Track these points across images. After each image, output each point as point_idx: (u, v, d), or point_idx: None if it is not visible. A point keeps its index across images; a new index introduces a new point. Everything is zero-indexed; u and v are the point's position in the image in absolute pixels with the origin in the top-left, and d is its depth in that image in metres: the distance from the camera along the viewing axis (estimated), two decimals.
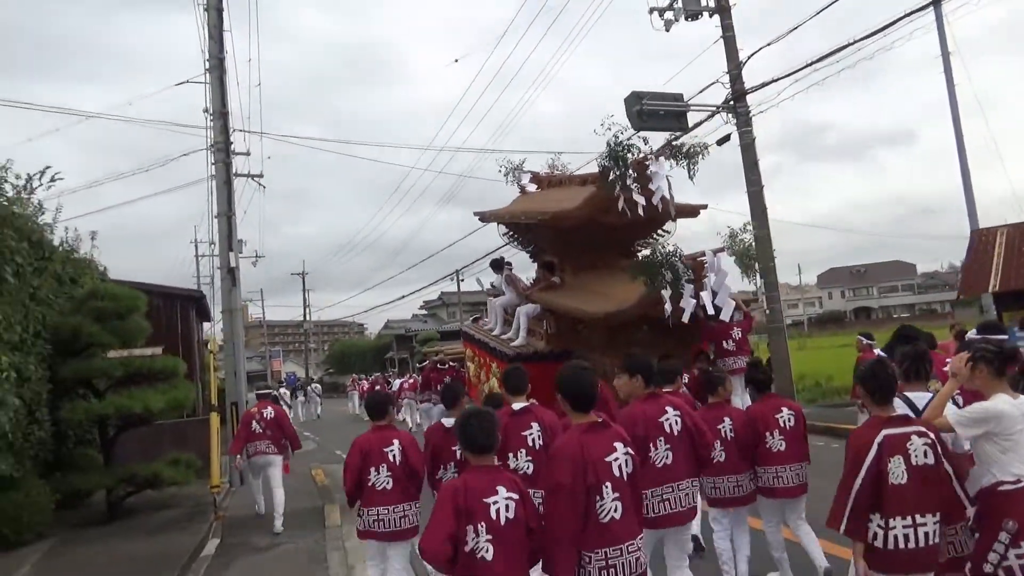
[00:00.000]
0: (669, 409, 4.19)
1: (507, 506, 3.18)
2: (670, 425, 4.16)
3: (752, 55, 13.81)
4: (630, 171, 8.86)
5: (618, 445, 3.35)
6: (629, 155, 8.88)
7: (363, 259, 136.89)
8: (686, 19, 14.20)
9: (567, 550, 3.18)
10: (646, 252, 9.40)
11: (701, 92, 14.01)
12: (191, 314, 15.77)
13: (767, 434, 5.06)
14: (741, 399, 8.00)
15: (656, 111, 13.42)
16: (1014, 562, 3.29)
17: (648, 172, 8.98)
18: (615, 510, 3.24)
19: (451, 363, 16.09)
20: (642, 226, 9.79)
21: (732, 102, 13.68)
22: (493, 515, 3.15)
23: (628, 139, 8.94)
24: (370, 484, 4.96)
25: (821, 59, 12.74)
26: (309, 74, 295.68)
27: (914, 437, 3.42)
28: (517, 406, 4.97)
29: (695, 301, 8.49)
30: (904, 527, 3.36)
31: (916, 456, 3.39)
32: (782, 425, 5.08)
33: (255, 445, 8.90)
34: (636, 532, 3.34)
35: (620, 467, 3.31)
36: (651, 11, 14.19)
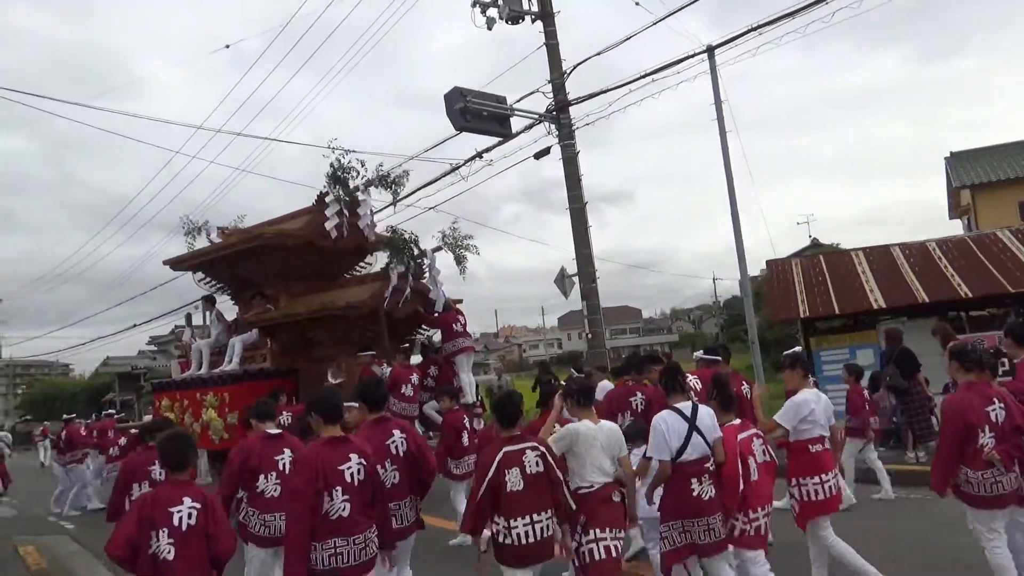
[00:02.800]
0: (396, 432, 4.66)
1: (190, 514, 3.70)
2: (396, 447, 4.63)
3: (577, 66, 13.07)
4: (345, 196, 9.71)
5: (353, 456, 3.95)
6: (350, 179, 9.71)
7: (72, 290, 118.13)
8: (507, 22, 13.04)
9: (301, 541, 3.76)
10: (389, 235, 10.08)
11: (520, 100, 12.91)
12: None
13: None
14: (468, 375, 9.87)
15: (480, 111, 12.06)
16: (584, 547, 4.24)
17: (359, 199, 9.91)
18: (343, 509, 3.85)
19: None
20: (352, 252, 10.80)
21: (555, 112, 12.69)
22: (175, 522, 3.67)
23: (349, 161, 9.72)
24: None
25: (628, 82, 12.18)
26: (18, 78, 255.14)
27: (528, 452, 4.19)
28: (271, 431, 5.40)
29: (433, 288, 9.66)
30: (524, 525, 4.08)
31: (530, 466, 4.15)
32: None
33: None
34: (365, 528, 3.93)
35: (353, 474, 3.90)
36: (474, 4, 12.80)
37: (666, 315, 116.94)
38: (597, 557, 4.20)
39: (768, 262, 14.35)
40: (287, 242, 9.99)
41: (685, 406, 4.47)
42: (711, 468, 4.39)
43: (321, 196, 9.83)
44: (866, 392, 8.62)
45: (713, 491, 4.35)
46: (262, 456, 5.16)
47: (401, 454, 4.59)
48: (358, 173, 9.76)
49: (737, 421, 4.70)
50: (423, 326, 10.94)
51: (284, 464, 5.16)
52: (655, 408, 5.09)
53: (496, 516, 4.15)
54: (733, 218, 15.87)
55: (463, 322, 9.83)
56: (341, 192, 9.71)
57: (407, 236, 9.88)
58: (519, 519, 4.08)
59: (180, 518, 3.68)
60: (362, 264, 11.67)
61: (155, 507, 3.68)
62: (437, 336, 10.93)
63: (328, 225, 9.70)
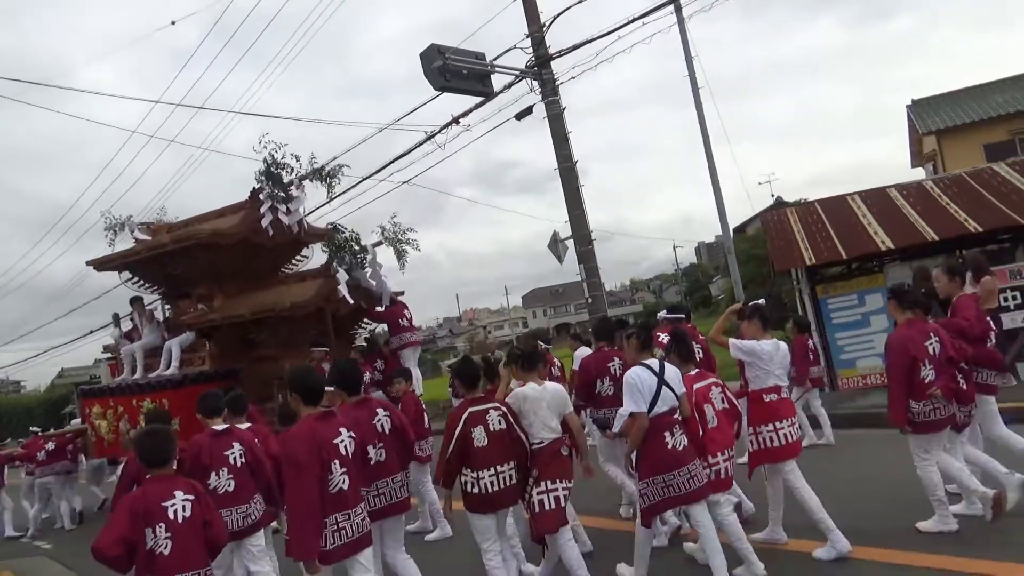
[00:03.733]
0: (379, 411, 4.68)
1: (184, 506, 3.74)
2: (381, 425, 4.65)
3: (557, 17, 12.33)
4: (279, 191, 9.59)
5: (342, 430, 4.08)
6: (283, 173, 9.57)
7: (14, 304, 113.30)
8: None
9: (311, 513, 3.77)
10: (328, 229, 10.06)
11: (500, 56, 12.15)
12: None
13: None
14: (415, 369, 9.59)
15: (459, 69, 11.25)
16: (535, 497, 4.60)
17: (291, 195, 9.76)
18: (343, 483, 3.94)
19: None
20: (287, 248, 10.51)
21: (537, 68, 11.97)
22: (171, 515, 3.69)
23: (282, 156, 9.61)
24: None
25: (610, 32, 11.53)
26: None
27: (491, 411, 4.60)
28: (218, 427, 5.28)
29: (377, 283, 9.70)
30: (489, 476, 4.49)
31: (492, 423, 4.56)
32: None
33: None
34: (361, 500, 4.10)
35: (345, 447, 4.02)
36: None
37: (626, 287, 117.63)
38: (547, 506, 4.58)
39: (761, 214, 13.99)
40: (221, 240, 9.72)
41: (653, 362, 4.66)
42: (679, 419, 4.60)
43: (255, 192, 9.71)
44: (810, 343, 9.10)
45: (685, 440, 4.55)
46: (212, 453, 5.11)
47: (387, 431, 4.65)
48: (292, 169, 9.65)
49: (695, 371, 4.98)
50: (367, 321, 10.88)
51: (235, 459, 5.14)
52: None
53: (464, 468, 4.55)
54: (711, 173, 15.55)
55: (408, 316, 9.74)
56: (274, 188, 9.64)
57: (347, 233, 9.88)
58: (484, 471, 4.49)
59: (175, 511, 3.72)
60: (297, 259, 11.43)
61: (147, 503, 3.68)
62: (380, 329, 10.97)
63: (263, 222, 9.61)
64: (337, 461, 3.92)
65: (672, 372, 4.65)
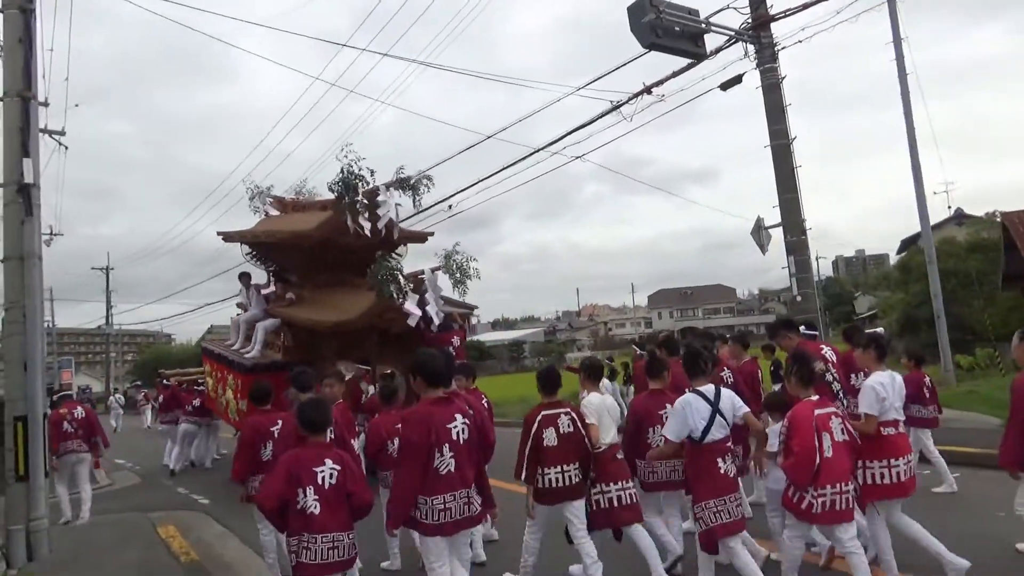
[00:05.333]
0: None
1: (331, 475, 4.08)
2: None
3: None
4: (361, 198, 9.79)
5: (458, 416, 4.18)
6: (359, 183, 9.79)
7: (171, 266, 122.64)
8: None
9: (411, 489, 4.05)
10: (373, 267, 10.04)
11: (713, 15, 10.67)
12: None
13: (650, 429, 5.40)
14: None
15: (671, 26, 9.97)
16: (593, 497, 5.13)
17: (377, 200, 9.93)
18: (451, 465, 4.10)
19: (198, 382, 15.16)
20: (375, 248, 10.41)
21: (754, 30, 10.48)
22: (319, 481, 4.04)
23: (360, 168, 9.79)
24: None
25: None
26: (123, 63, 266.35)
27: (562, 415, 5.10)
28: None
29: (421, 311, 9.58)
30: (555, 472, 4.99)
31: (563, 427, 5.06)
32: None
33: (66, 445, 9.17)
34: (469, 484, 4.18)
35: (458, 432, 4.14)
36: None
37: (754, 295, 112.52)
38: (603, 505, 5.11)
39: (1004, 216, 12.10)
40: (300, 241, 10.21)
41: (708, 389, 4.74)
42: (731, 447, 4.77)
43: (339, 197, 9.95)
44: (927, 379, 7.89)
45: (735, 469, 4.73)
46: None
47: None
48: (367, 181, 9.92)
49: (815, 397, 4.72)
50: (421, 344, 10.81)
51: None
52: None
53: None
54: (914, 171, 13.63)
55: (456, 344, 9.85)
56: (352, 195, 9.86)
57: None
58: (551, 468, 5.00)
59: (323, 478, 4.06)
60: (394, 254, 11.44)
61: (300, 466, 4.05)
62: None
63: (349, 223, 9.84)
64: (447, 444, 4.09)
65: (727, 399, 4.75)
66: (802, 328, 6.29)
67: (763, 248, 11.25)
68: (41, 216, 7.81)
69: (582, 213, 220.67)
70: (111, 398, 34.79)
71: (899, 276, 26.74)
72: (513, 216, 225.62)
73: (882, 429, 4.81)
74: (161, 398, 15.85)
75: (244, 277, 12.10)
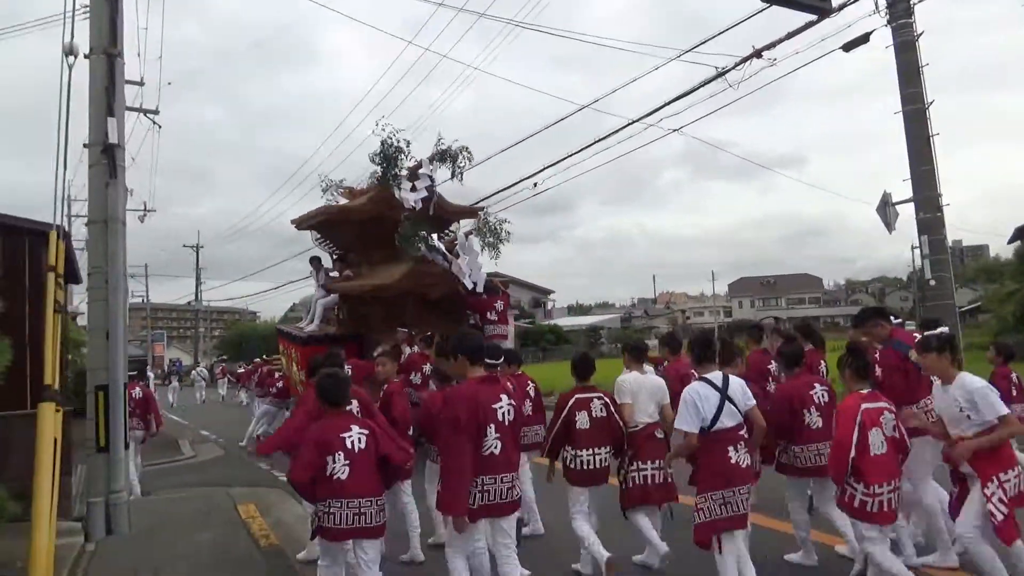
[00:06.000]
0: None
1: (359, 438, 4.13)
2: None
3: None
4: (402, 171, 9.85)
5: (503, 396, 4.14)
6: (400, 155, 9.85)
7: (255, 245, 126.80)
8: None
9: (463, 470, 3.94)
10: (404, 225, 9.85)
11: None
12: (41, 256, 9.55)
13: (804, 411, 5.17)
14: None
15: None
16: (629, 474, 5.19)
17: (419, 174, 9.77)
18: (496, 447, 4.04)
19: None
20: (427, 223, 10.15)
21: None
22: (348, 445, 4.09)
23: (398, 141, 9.83)
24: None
25: None
26: (212, 52, 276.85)
27: (595, 399, 5.20)
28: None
29: (474, 272, 9.39)
30: (587, 455, 5.09)
31: (595, 411, 5.16)
32: (817, 401, 5.23)
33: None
34: (513, 467, 4.15)
35: (504, 414, 4.08)
36: None
37: (840, 286, 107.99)
38: (638, 482, 5.18)
39: None
40: (350, 216, 10.48)
41: (716, 376, 4.53)
42: (745, 436, 4.48)
43: (384, 171, 9.98)
44: (1014, 375, 7.22)
45: (748, 459, 4.45)
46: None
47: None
48: (406, 154, 9.93)
49: (867, 390, 4.53)
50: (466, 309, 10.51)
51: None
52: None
53: (567, 446, 5.21)
54: None
55: (500, 309, 9.54)
56: (392, 168, 9.92)
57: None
58: (584, 450, 5.13)
59: (352, 442, 4.11)
60: (446, 232, 11.42)
61: (329, 434, 4.12)
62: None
63: (399, 196, 9.78)
64: (493, 425, 4.02)
65: (736, 386, 4.53)
66: (892, 319, 5.77)
67: (889, 226, 10.18)
68: (126, 183, 7.54)
69: (660, 198, 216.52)
70: (193, 372, 36.52)
71: (1018, 265, 24.52)
72: (590, 200, 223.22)
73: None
74: (258, 374, 16.78)
75: (314, 261, 12.33)
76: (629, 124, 12.71)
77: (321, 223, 11.73)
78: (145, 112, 22.34)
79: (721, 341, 5.30)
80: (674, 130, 12.65)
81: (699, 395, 4.39)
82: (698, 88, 11.21)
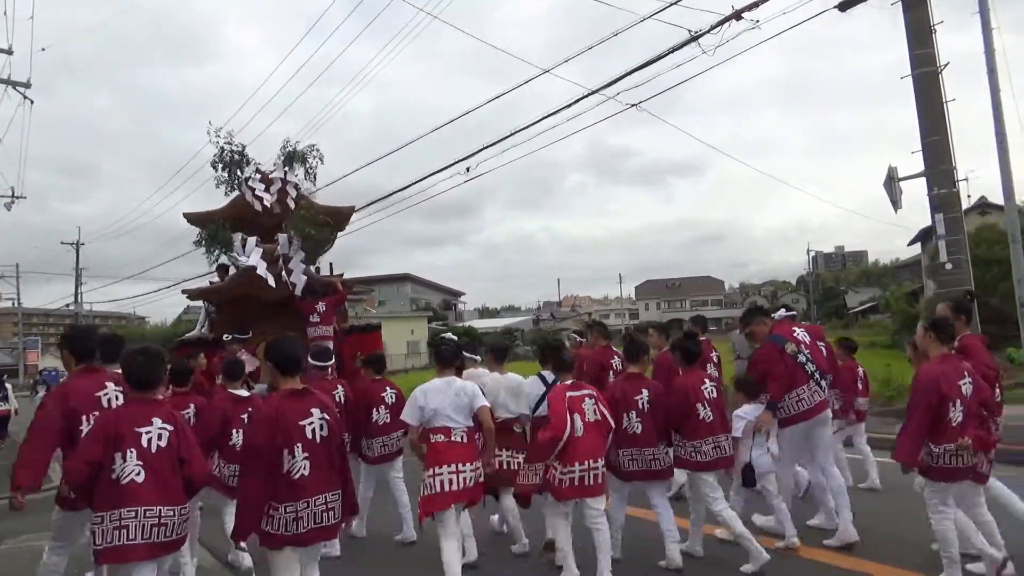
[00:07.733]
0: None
1: (160, 435, 3.47)
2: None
3: None
4: (254, 174, 9.81)
5: (315, 411, 3.68)
6: (244, 160, 9.91)
7: (142, 244, 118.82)
8: None
9: (257, 498, 3.51)
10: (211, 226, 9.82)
11: None
12: None
13: (697, 405, 5.27)
14: None
15: None
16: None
17: (270, 177, 9.88)
18: (304, 468, 3.56)
19: None
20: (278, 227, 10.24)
21: None
22: (144, 443, 3.42)
23: (237, 147, 9.95)
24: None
25: None
26: (104, 36, 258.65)
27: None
28: (239, 392, 5.65)
29: (294, 273, 9.51)
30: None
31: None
32: (707, 397, 5.34)
33: None
34: (326, 488, 3.66)
35: (314, 430, 3.63)
36: None
37: (735, 289, 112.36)
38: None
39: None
40: (214, 216, 10.11)
41: (547, 373, 5.53)
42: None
43: (243, 180, 9.89)
44: (860, 369, 7.60)
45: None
46: (234, 415, 5.32)
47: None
48: (246, 157, 9.96)
49: (569, 381, 4.99)
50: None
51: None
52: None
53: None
54: (998, 139, 11.55)
55: (321, 311, 9.39)
56: (237, 172, 9.90)
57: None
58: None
59: (150, 439, 3.47)
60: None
61: (121, 426, 3.45)
62: None
63: (258, 201, 9.69)
64: (300, 444, 3.58)
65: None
66: (782, 310, 6.41)
67: (895, 204, 9.27)
68: None
69: (564, 203, 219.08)
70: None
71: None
72: (493, 204, 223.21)
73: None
74: None
75: (220, 269, 11.77)
76: (583, 98, 11.42)
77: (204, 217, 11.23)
78: (14, 84, 19.30)
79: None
80: (632, 105, 11.43)
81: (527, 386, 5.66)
82: (670, 53, 9.98)
